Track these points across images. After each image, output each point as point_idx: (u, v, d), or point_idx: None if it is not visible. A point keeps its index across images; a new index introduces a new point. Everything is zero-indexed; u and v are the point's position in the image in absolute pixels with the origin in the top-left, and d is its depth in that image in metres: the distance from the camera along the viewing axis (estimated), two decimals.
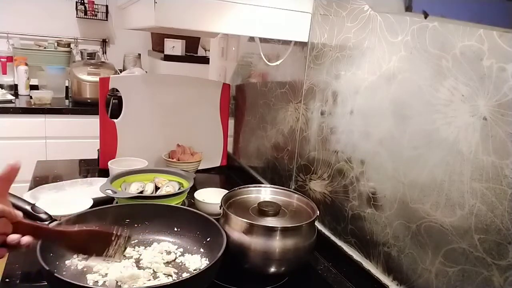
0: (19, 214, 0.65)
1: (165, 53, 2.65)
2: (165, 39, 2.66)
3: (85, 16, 3.03)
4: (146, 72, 2.89)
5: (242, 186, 1.04)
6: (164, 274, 0.83)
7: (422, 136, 0.75)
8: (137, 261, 0.86)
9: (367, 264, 0.90)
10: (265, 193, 1.04)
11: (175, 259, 0.89)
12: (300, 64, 1.16)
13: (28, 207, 0.87)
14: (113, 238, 0.77)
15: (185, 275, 0.83)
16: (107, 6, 3.09)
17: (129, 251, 0.89)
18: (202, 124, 1.59)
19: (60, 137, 2.46)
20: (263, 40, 1.37)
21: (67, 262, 0.82)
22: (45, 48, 2.95)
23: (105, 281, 0.79)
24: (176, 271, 0.84)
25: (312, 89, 1.10)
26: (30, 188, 1.24)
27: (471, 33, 0.66)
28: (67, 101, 2.74)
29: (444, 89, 0.71)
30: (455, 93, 0.69)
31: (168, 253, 0.90)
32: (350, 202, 0.95)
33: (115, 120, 1.42)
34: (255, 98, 1.48)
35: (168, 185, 1.20)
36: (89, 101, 2.58)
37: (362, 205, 0.92)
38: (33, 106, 2.44)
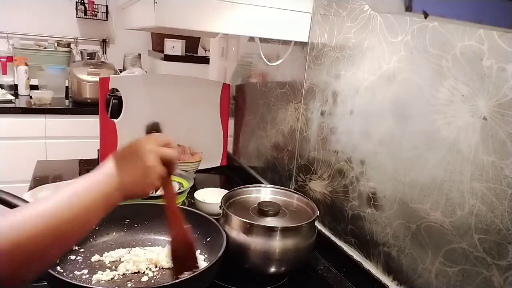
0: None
1: (165, 53, 2.65)
2: (165, 39, 2.66)
3: (85, 16, 3.02)
4: (146, 72, 2.89)
5: (242, 186, 1.03)
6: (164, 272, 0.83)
7: (422, 136, 0.75)
8: (137, 261, 0.86)
9: (367, 264, 0.90)
10: (265, 193, 1.04)
11: None
12: (300, 64, 1.16)
13: None
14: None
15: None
16: (107, 6, 3.08)
17: (129, 251, 0.90)
18: (202, 124, 1.59)
19: (60, 137, 2.45)
20: (263, 40, 1.37)
21: (67, 262, 0.82)
22: (45, 48, 2.94)
23: (106, 280, 0.79)
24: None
25: (312, 89, 1.10)
26: (30, 188, 1.24)
27: (471, 33, 0.66)
28: (67, 101, 2.73)
29: (444, 89, 0.71)
30: (455, 93, 0.69)
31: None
32: (350, 202, 0.95)
33: (115, 120, 1.42)
34: (255, 98, 1.48)
35: None
36: (89, 101, 2.58)
37: (362, 205, 0.92)
38: (33, 106, 2.43)
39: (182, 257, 0.75)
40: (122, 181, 0.59)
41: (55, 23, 3.01)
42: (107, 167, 0.60)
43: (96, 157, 1.51)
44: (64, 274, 0.79)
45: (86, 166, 1.56)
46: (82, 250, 0.87)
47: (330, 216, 1.03)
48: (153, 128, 0.66)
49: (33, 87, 2.71)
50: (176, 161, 0.66)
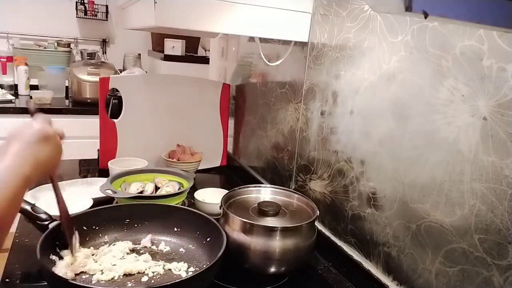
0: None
1: (165, 53, 2.65)
2: (165, 39, 2.66)
3: (85, 16, 3.03)
4: (146, 72, 2.89)
5: (242, 186, 1.03)
6: (164, 272, 0.83)
7: (422, 136, 0.75)
8: (137, 261, 0.86)
9: (367, 264, 0.90)
10: (265, 193, 1.04)
11: (174, 259, 0.89)
12: (300, 64, 1.16)
13: (28, 207, 0.87)
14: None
15: (185, 275, 0.83)
16: (107, 6, 3.09)
17: (128, 251, 0.90)
18: (202, 124, 1.59)
19: None
20: (263, 40, 1.37)
21: (68, 262, 0.82)
22: (45, 48, 2.95)
23: (106, 280, 0.79)
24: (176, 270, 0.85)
25: (312, 89, 1.10)
26: (30, 188, 1.24)
27: (471, 33, 0.66)
28: (67, 101, 2.74)
29: (444, 89, 0.71)
30: (455, 93, 0.69)
31: (168, 253, 0.90)
32: (350, 202, 0.95)
33: (115, 120, 1.42)
34: (255, 98, 1.48)
35: (168, 185, 1.20)
36: (89, 101, 2.58)
37: (362, 205, 0.92)
38: None
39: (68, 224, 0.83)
40: (37, 160, 0.64)
41: (55, 23, 3.02)
42: (15, 149, 0.62)
43: (96, 157, 1.51)
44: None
45: (86, 166, 1.56)
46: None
47: (330, 216, 1.04)
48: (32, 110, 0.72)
49: (33, 87, 2.71)
50: (63, 134, 0.76)
